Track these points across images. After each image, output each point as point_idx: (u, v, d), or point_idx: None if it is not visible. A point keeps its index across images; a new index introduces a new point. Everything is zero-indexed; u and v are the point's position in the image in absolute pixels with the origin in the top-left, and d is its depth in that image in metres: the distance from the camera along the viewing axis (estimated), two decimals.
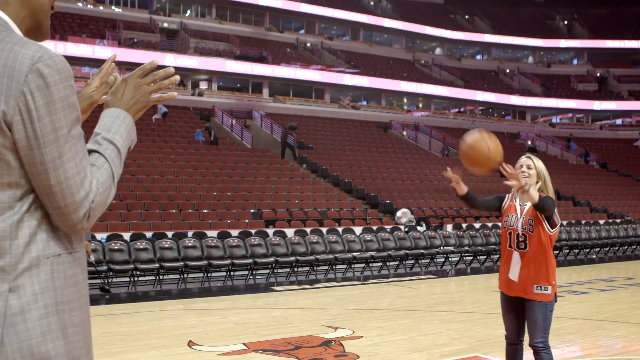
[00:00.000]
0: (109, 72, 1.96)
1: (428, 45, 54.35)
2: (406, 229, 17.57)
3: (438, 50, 54.12)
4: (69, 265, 1.59)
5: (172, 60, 33.88)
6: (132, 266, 12.02)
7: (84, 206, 1.53)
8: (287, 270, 13.95)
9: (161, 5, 42.38)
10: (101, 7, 38.36)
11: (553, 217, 4.54)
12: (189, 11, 44.40)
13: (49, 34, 1.75)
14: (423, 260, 15.74)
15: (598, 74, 52.73)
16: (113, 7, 39.47)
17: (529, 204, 4.59)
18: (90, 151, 1.62)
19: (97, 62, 31.62)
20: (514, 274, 4.56)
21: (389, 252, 14.86)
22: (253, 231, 15.59)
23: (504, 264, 4.70)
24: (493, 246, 16.71)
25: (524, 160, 4.70)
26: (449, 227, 19.02)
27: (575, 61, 56.04)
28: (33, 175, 1.51)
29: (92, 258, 11.46)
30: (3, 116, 1.46)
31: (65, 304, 1.56)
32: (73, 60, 30.53)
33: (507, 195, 4.90)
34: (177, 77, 1.82)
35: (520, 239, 4.58)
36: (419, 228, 18.32)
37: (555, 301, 4.62)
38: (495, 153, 4.36)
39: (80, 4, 36.95)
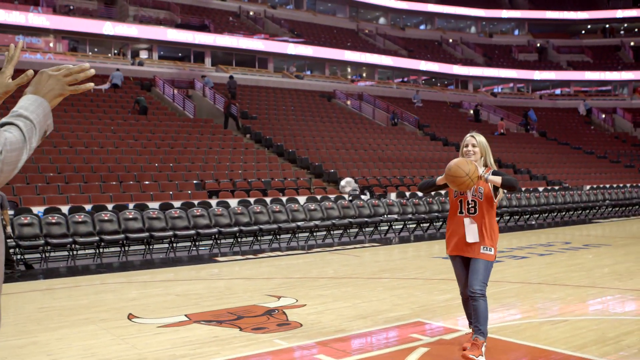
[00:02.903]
0: (18, 59, 2.14)
1: (372, 14, 54.21)
2: (350, 198, 17.61)
3: (382, 20, 54.07)
4: None
5: (110, 28, 32.94)
6: (70, 240, 11.72)
7: None
8: (231, 240, 13.84)
9: None
10: None
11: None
12: None
13: None
14: (367, 229, 15.83)
15: (538, 45, 53.61)
16: None
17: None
18: (5, 123, 1.82)
19: (31, 30, 30.55)
20: (473, 237, 5.10)
21: (333, 221, 14.88)
22: (196, 202, 15.38)
23: (457, 229, 5.21)
24: (436, 214, 16.91)
25: (468, 139, 5.24)
26: (393, 196, 19.15)
27: (516, 31, 56.80)
28: None
29: (9, 228, 11.00)
30: None
31: None
32: (5, 28, 29.38)
33: None
34: (92, 71, 2.03)
35: (470, 205, 5.14)
36: (362, 197, 18.39)
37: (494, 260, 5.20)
38: (473, 175, 4.93)
39: None
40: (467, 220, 5.10)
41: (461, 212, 5.15)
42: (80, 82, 2.00)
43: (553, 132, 38.10)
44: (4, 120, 1.83)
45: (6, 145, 1.73)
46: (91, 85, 2.04)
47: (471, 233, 5.09)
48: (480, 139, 5.24)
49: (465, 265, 5.23)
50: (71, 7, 33.94)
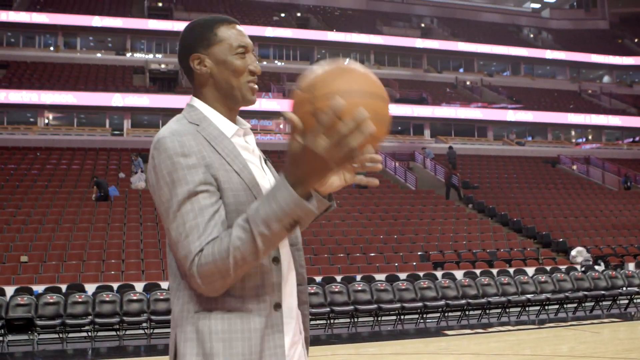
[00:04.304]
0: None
1: (594, 73, 51.86)
2: (583, 269, 16.62)
3: (606, 78, 51.44)
4: (220, 321, 1.73)
5: None
6: None
7: (185, 265, 1.67)
8: (458, 313, 13.63)
9: (321, 55, 43.89)
10: (265, 62, 40.40)
11: None
12: (348, 59, 45.48)
13: (250, 102, 1.95)
14: (604, 303, 14.77)
15: None
16: (277, 62, 41.45)
17: None
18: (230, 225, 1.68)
19: (263, 114, 33.22)
20: None
21: (566, 294, 14.09)
22: (421, 274, 15.45)
23: None
24: None
25: None
26: (631, 266, 17.75)
27: None
28: None
29: None
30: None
31: (210, 357, 1.71)
32: (240, 114, 32.24)
33: None
34: (372, 128, 1.45)
35: None
36: (597, 267, 17.26)
37: None
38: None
39: None
40: None
41: None
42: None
43: None
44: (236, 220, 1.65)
45: (204, 255, 1.64)
46: (376, 182, 1.64)
47: None
48: None
49: None
50: None
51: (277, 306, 1.80)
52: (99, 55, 38.50)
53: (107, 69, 35.85)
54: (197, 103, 1.89)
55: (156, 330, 12.09)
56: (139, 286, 13.48)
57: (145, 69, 37.19)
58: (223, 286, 1.66)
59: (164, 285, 13.43)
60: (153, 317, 11.54)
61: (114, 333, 11.84)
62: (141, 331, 12.07)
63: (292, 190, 1.53)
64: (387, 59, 45.56)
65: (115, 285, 13.43)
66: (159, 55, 40.17)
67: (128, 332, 12.14)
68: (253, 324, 1.73)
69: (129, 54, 39.81)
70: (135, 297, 11.81)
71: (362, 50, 45.03)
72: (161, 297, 11.82)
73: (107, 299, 11.69)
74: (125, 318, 11.47)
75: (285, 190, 1.54)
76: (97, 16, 38.63)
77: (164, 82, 37.16)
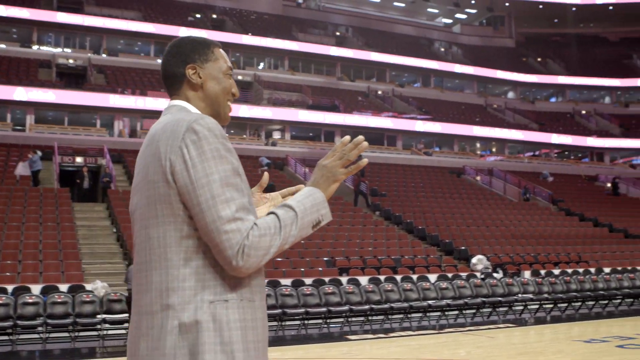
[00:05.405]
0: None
1: (500, 89, 53.88)
2: (482, 276, 17.20)
3: (511, 94, 53.54)
4: (236, 310, 1.83)
5: (246, 111, 34.69)
6: None
7: (235, 243, 1.75)
8: (362, 318, 13.83)
9: (235, 58, 43.64)
10: None
11: None
12: (262, 64, 45.56)
13: (228, 121, 2.12)
14: (501, 309, 15.34)
15: None
16: None
17: None
18: (269, 213, 1.87)
19: None
20: None
21: (465, 300, 14.56)
22: (327, 279, 15.58)
23: None
24: (574, 293, 16.15)
25: None
26: (527, 274, 18.52)
27: None
28: (194, 217, 1.80)
29: None
30: (170, 169, 1.82)
31: (228, 345, 1.79)
32: (152, 114, 31.67)
33: None
34: (365, 144, 2.00)
35: None
36: (495, 275, 17.90)
37: None
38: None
39: (159, 60, 38.52)
40: None
41: None
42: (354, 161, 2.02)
43: None
44: (270, 209, 1.94)
45: (254, 230, 1.77)
46: (365, 161, 2.06)
47: None
48: None
49: None
50: None
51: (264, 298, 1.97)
52: (2, 46, 36.85)
53: (11, 61, 34.37)
54: (188, 106, 2.02)
55: (52, 335, 11.68)
56: (36, 288, 12.98)
57: (52, 63, 35.88)
58: (259, 264, 1.80)
59: (63, 287, 13.00)
60: (50, 321, 11.15)
61: (6, 337, 11.35)
62: (36, 335, 11.64)
63: (323, 193, 1.94)
64: (301, 65, 45.79)
65: (10, 288, 12.88)
66: (67, 50, 38.87)
67: (22, 336, 11.68)
68: (259, 314, 1.89)
69: (35, 47, 38.30)
70: (31, 300, 11.37)
71: (277, 56, 45.11)
72: (59, 300, 11.43)
73: (1, 301, 11.20)
74: (19, 322, 11.02)
75: (318, 192, 1.93)
76: (2, 5, 37.01)
77: (71, 78, 35.91)
